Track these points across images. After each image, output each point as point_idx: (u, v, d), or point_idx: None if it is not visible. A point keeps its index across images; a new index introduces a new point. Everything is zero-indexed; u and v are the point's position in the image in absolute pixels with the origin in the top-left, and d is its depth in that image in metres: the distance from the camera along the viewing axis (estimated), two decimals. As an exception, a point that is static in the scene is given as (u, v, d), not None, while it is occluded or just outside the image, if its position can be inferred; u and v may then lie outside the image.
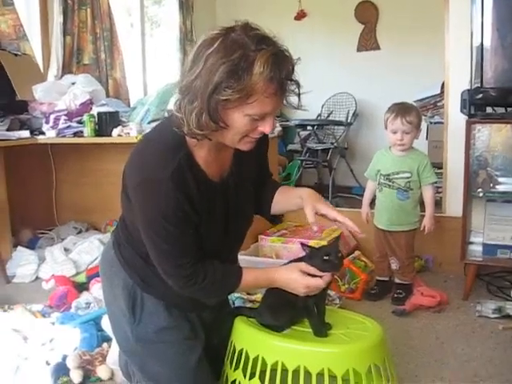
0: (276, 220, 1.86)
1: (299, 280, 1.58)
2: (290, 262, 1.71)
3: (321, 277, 1.58)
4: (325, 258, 1.59)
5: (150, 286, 1.65)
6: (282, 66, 1.36)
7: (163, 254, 1.51)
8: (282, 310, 1.67)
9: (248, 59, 1.31)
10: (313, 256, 1.62)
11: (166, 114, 3.88)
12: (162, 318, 1.65)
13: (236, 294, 2.47)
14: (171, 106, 4.36)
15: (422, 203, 2.84)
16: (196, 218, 1.50)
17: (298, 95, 1.45)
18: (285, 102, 1.46)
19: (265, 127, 1.43)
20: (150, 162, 1.46)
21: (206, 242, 1.57)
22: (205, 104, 1.35)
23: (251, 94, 1.34)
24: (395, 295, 2.83)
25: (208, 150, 1.51)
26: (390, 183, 2.79)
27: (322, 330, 1.65)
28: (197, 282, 1.53)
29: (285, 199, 1.77)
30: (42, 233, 3.96)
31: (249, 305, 2.37)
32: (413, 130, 2.71)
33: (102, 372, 2.07)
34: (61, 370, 2.02)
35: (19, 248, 3.50)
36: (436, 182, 2.86)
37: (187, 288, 1.55)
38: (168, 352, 1.64)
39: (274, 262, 2.51)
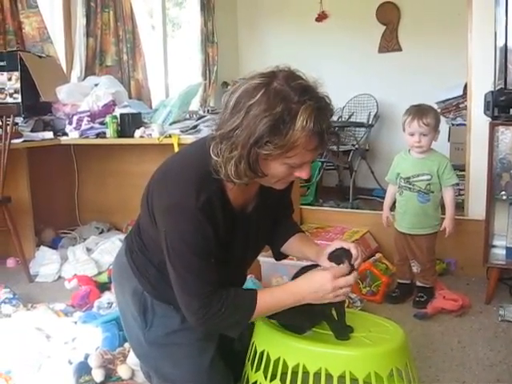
0: (281, 257, 1.87)
1: (325, 284, 1.51)
2: (301, 269, 1.69)
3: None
4: (335, 253, 1.59)
5: (161, 293, 1.65)
6: (323, 119, 1.35)
7: (184, 282, 1.48)
8: (302, 310, 1.67)
9: (290, 113, 1.31)
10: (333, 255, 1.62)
11: (188, 116, 3.91)
12: (174, 321, 1.65)
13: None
14: (193, 107, 4.36)
15: (443, 206, 2.82)
16: (218, 248, 1.49)
17: (337, 144, 1.49)
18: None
19: (301, 173, 1.45)
20: (183, 188, 1.44)
21: (222, 269, 1.53)
22: (245, 155, 1.34)
23: (292, 148, 1.34)
24: (417, 298, 2.81)
25: (238, 184, 1.47)
26: (411, 186, 2.77)
27: (343, 333, 1.64)
28: (214, 312, 1.47)
29: (298, 248, 1.80)
30: (65, 233, 4.01)
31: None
32: (430, 131, 2.68)
33: (122, 371, 2.08)
34: (83, 368, 2.04)
35: (42, 248, 3.55)
36: (458, 184, 2.83)
37: (201, 319, 1.48)
38: (180, 354, 1.65)
39: (294, 263, 2.51)
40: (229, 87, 4.82)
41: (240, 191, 1.53)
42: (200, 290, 1.47)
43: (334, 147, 5.20)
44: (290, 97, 1.32)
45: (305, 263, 1.78)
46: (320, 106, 1.35)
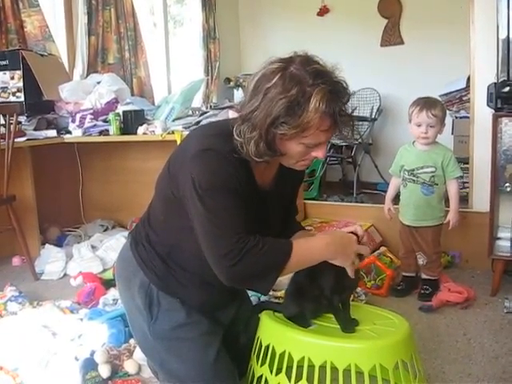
0: None
1: (352, 243, 1.59)
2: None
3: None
4: None
5: (166, 285, 1.67)
6: (336, 101, 1.42)
7: (220, 220, 1.46)
8: (306, 297, 1.68)
9: (305, 95, 1.38)
10: None
11: (190, 112, 3.91)
12: (179, 315, 1.67)
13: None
14: (195, 103, 4.34)
15: (447, 198, 2.82)
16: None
17: (352, 127, 1.53)
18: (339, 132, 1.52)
19: (318, 153, 1.51)
20: (211, 139, 1.52)
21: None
22: (263, 135, 1.42)
23: (306, 128, 1.41)
24: (422, 291, 2.81)
25: (259, 163, 1.54)
26: (415, 178, 2.77)
27: (349, 325, 1.64)
28: (251, 246, 1.44)
29: None
30: (70, 230, 4.02)
31: (275, 301, 2.37)
32: (437, 123, 2.69)
33: (129, 366, 2.09)
34: (89, 365, 2.04)
35: (47, 246, 3.56)
36: (462, 177, 2.83)
37: (242, 254, 1.43)
38: (185, 348, 1.66)
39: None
40: (231, 83, 4.81)
41: (261, 170, 1.59)
42: (237, 226, 1.46)
43: (338, 141, 5.21)
44: (304, 80, 1.39)
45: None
46: (333, 90, 1.41)
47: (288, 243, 1.52)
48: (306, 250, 1.55)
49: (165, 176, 1.62)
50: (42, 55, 3.88)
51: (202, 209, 1.46)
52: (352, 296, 2.49)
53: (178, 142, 3.25)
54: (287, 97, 1.37)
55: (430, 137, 2.71)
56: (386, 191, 3.08)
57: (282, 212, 1.78)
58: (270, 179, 1.66)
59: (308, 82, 1.38)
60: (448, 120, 2.90)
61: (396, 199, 2.95)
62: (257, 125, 1.42)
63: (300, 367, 1.57)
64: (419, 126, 2.70)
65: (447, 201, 2.81)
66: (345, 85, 1.47)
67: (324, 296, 1.65)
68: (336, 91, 1.42)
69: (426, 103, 2.70)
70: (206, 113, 3.68)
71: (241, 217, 1.46)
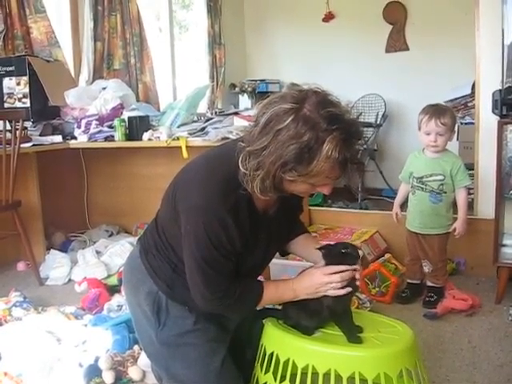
0: (286, 254, 1.91)
1: (320, 278, 1.60)
2: (303, 271, 1.73)
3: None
4: (342, 251, 1.61)
5: (175, 293, 1.67)
6: (349, 148, 1.38)
7: (204, 276, 1.53)
8: (309, 309, 1.67)
9: (318, 141, 1.33)
10: (330, 253, 1.64)
11: (196, 118, 3.92)
12: (187, 322, 1.67)
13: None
14: (200, 109, 4.35)
15: (455, 205, 2.81)
16: (242, 248, 1.54)
17: (361, 174, 1.53)
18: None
19: (323, 190, 1.49)
20: (212, 190, 1.48)
21: (244, 267, 1.61)
22: (270, 176, 1.39)
23: (315, 176, 1.38)
24: (426, 298, 2.81)
25: None
26: (423, 186, 2.76)
27: (354, 334, 1.63)
28: (222, 303, 1.57)
29: (303, 248, 1.84)
30: (74, 236, 4.03)
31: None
32: (447, 131, 2.67)
33: (133, 373, 2.10)
34: (93, 371, 2.05)
35: (52, 251, 3.57)
36: (471, 185, 2.82)
37: (212, 307, 1.59)
38: (191, 354, 1.65)
39: (304, 264, 2.50)
40: (236, 88, 4.81)
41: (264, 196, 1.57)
42: (219, 285, 1.55)
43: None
44: (318, 125, 1.33)
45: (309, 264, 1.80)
46: (347, 137, 1.36)
47: (259, 295, 1.61)
48: (275, 296, 1.67)
49: (169, 194, 1.61)
50: (47, 61, 3.90)
51: (190, 257, 1.54)
52: (356, 303, 2.49)
53: (183, 148, 3.26)
54: (299, 142, 1.32)
55: (440, 145, 2.70)
56: (391, 197, 3.08)
57: (288, 223, 1.79)
58: (274, 202, 1.64)
59: (321, 128, 1.33)
60: (454, 126, 2.89)
61: (403, 205, 2.95)
62: (265, 165, 1.37)
63: (304, 375, 1.56)
64: (428, 134, 2.69)
65: (455, 208, 2.80)
66: (359, 127, 1.42)
67: (326, 306, 1.65)
68: (350, 137, 1.38)
69: (435, 111, 2.68)
70: (211, 119, 3.68)
71: (227, 272, 1.55)
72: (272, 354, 1.65)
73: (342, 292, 1.60)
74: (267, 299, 1.64)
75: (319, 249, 1.67)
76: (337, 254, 1.62)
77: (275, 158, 1.35)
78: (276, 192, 1.45)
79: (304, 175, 1.37)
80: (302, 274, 1.69)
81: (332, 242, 1.72)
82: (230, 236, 1.49)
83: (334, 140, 1.33)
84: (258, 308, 1.67)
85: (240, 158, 1.44)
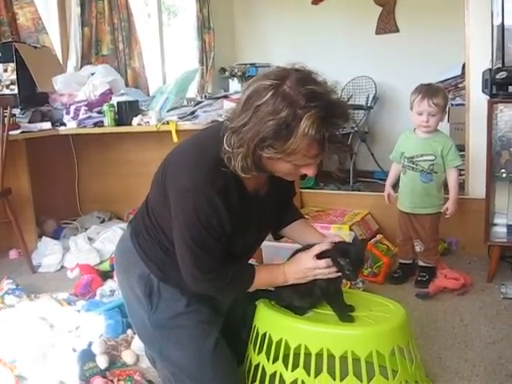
0: (279, 237, 1.94)
1: (307, 262, 1.62)
2: (295, 252, 1.74)
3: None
4: (341, 260, 1.59)
5: (167, 275, 1.67)
6: (328, 127, 1.35)
7: (194, 256, 1.54)
8: (301, 290, 1.67)
9: (295, 118, 1.32)
10: (337, 250, 1.61)
11: (185, 102, 3.89)
12: (179, 304, 1.67)
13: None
14: (190, 94, 4.31)
15: (446, 186, 2.82)
16: (232, 230, 1.54)
17: (344, 150, 1.51)
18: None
19: (308, 171, 1.47)
20: (201, 172, 1.48)
21: (235, 249, 1.63)
22: (250, 153, 1.38)
23: (293, 154, 1.37)
24: (419, 278, 2.82)
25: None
26: (414, 166, 2.77)
27: (346, 314, 1.64)
28: (214, 285, 1.60)
29: (300, 234, 1.86)
30: (66, 223, 4.02)
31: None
32: (439, 112, 2.67)
33: (127, 357, 2.10)
34: (87, 356, 2.05)
35: (44, 238, 3.56)
36: (462, 165, 2.83)
37: (203, 288, 1.61)
38: (184, 336, 1.66)
39: (295, 246, 2.51)
40: (226, 73, 4.78)
41: (253, 177, 1.55)
42: (209, 265, 1.56)
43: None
44: (296, 102, 1.32)
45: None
46: (326, 114, 1.34)
47: (250, 278, 1.63)
48: (266, 280, 1.69)
49: (159, 178, 1.61)
50: (35, 47, 3.85)
51: (181, 239, 1.55)
52: (349, 284, 2.50)
53: (173, 132, 3.25)
54: (276, 119, 1.31)
55: (431, 125, 2.70)
56: (382, 179, 3.08)
57: (280, 206, 1.78)
58: (264, 182, 1.64)
59: (300, 105, 1.31)
60: (444, 107, 2.88)
61: (395, 186, 2.95)
62: (244, 141, 1.37)
63: (297, 355, 1.57)
64: (420, 114, 2.69)
65: (446, 188, 2.81)
66: (343, 107, 1.40)
67: (318, 286, 1.65)
68: (330, 115, 1.35)
69: (427, 91, 2.67)
70: (200, 102, 3.67)
71: (217, 254, 1.55)
72: (265, 335, 1.66)
73: (331, 276, 1.61)
74: (258, 283, 1.66)
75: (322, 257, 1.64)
76: (336, 259, 1.61)
77: (253, 134, 1.35)
78: (258, 171, 1.44)
79: (281, 152, 1.36)
80: (292, 259, 1.71)
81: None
82: (220, 217, 1.49)
83: (311, 117, 1.31)
84: (249, 291, 1.68)
85: (225, 136, 1.43)
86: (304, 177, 1.68)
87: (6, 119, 3.04)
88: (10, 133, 3.15)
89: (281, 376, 1.61)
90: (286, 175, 1.53)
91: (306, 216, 3.47)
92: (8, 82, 3.64)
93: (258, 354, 1.67)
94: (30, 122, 3.61)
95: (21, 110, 3.62)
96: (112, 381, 1.96)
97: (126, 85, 4.42)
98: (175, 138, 3.21)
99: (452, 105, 4.48)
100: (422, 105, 2.66)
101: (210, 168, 1.48)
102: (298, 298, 1.70)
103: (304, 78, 1.37)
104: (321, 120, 1.32)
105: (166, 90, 3.75)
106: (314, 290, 1.66)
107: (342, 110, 1.40)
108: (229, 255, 1.60)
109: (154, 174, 1.66)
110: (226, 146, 1.42)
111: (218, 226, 1.50)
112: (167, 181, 1.56)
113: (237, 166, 1.41)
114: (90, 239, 3.49)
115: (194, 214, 1.48)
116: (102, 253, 3.29)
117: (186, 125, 3.30)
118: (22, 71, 3.63)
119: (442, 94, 2.71)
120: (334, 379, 1.52)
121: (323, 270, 1.60)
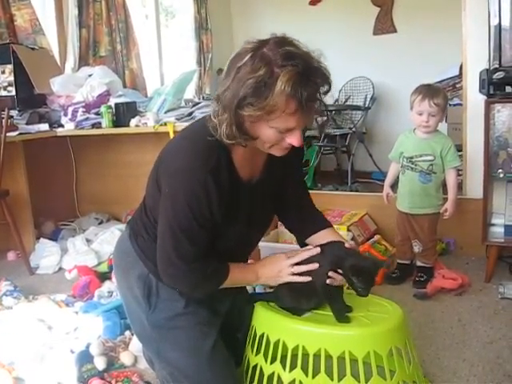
0: (304, 245, 1.88)
1: (283, 262, 1.67)
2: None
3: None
4: (353, 278, 1.58)
5: None
6: (305, 85, 1.36)
7: (177, 243, 1.53)
8: (303, 292, 1.67)
9: (272, 76, 1.34)
10: (349, 268, 1.59)
11: (183, 103, 3.90)
12: (177, 305, 1.67)
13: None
14: (188, 95, 4.32)
15: (444, 186, 2.82)
16: (220, 216, 1.54)
17: (325, 115, 1.50)
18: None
19: (292, 140, 1.46)
20: (193, 154, 1.49)
21: (223, 241, 1.61)
22: (232, 117, 1.40)
23: (272, 111, 1.37)
24: (416, 278, 2.82)
25: (243, 150, 1.54)
26: (413, 166, 2.77)
27: (343, 316, 1.64)
28: (191, 276, 1.58)
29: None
30: (64, 224, 4.02)
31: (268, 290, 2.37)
32: (439, 112, 2.68)
33: (125, 358, 2.10)
34: (85, 357, 2.05)
35: (42, 240, 3.56)
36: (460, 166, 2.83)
37: (178, 278, 1.59)
38: (182, 337, 1.65)
39: (293, 247, 2.51)
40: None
41: (246, 160, 1.57)
42: (190, 256, 1.54)
43: (332, 131, 5.20)
44: (274, 61, 1.35)
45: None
46: (303, 72, 1.36)
47: (224, 276, 1.63)
48: (239, 279, 1.69)
49: (153, 174, 1.62)
50: (32, 49, 3.85)
51: (166, 224, 1.54)
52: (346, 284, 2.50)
53: (171, 134, 3.25)
54: (255, 77, 1.34)
55: (431, 125, 2.70)
56: (380, 180, 3.08)
57: (272, 203, 1.77)
58: (259, 169, 1.65)
59: (277, 63, 1.34)
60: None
61: (394, 186, 2.96)
62: (226, 106, 1.40)
63: (294, 356, 1.57)
64: (421, 114, 2.69)
65: (445, 188, 2.81)
66: (322, 70, 1.42)
67: (320, 286, 1.65)
68: (307, 74, 1.36)
69: (428, 91, 2.68)
70: (198, 103, 3.67)
71: (201, 243, 1.54)
72: (262, 336, 1.66)
73: (301, 279, 1.64)
74: (231, 281, 1.65)
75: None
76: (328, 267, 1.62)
77: (234, 96, 1.37)
78: (242, 136, 1.44)
79: (260, 109, 1.36)
80: (267, 257, 1.73)
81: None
82: (210, 198, 1.48)
83: (287, 74, 1.33)
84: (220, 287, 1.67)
85: (212, 109, 1.47)
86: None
87: (3, 121, 3.04)
88: (8, 134, 3.14)
89: (279, 377, 1.60)
90: (273, 147, 1.50)
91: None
92: (5, 84, 3.64)
93: (256, 354, 1.67)
94: (27, 124, 3.61)
95: (18, 111, 3.62)
96: (110, 382, 1.97)
97: (124, 86, 4.43)
98: (173, 140, 3.21)
99: (450, 105, 4.48)
100: (422, 105, 2.67)
101: (200, 151, 1.49)
102: (298, 298, 1.69)
103: (283, 40, 1.41)
104: (297, 77, 1.34)
105: (164, 91, 3.75)
106: (315, 291, 1.66)
107: (320, 70, 1.42)
108: (215, 249, 1.59)
109: (150, 173, 1.66)
110: (212, 117, 1.45)
111: (206, 210, 1.49)
112: (160, 172, 1.56)
113: (222, 133, 1.43)
114: (88, 241, 3.49)
115: (184, 195, 1.48)
116: (100, 254, 3.29)
117: (184, 126, 3.30)
118: (20, 73, 3.63)
119: (442, 95, 2.71)
120: (332, 380, 1.52)
121: (297, 277, 1.64)
